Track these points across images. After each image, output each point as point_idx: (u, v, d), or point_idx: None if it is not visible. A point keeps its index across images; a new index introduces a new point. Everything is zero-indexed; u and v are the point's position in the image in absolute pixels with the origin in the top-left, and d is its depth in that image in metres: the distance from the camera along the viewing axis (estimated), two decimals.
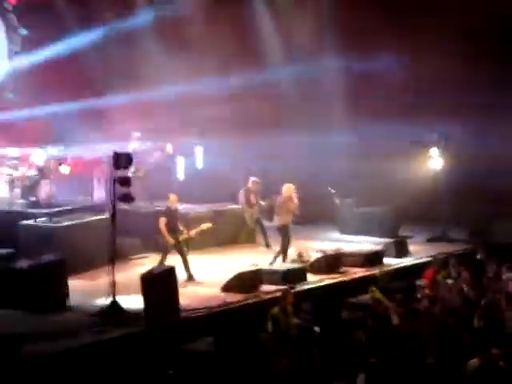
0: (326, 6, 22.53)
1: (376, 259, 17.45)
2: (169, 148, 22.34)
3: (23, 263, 14.63)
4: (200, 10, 22.40)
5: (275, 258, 17.17)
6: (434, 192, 20.66)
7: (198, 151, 23.86)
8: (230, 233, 19.30)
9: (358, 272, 16.72)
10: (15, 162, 19.12)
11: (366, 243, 19.18)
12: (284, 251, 17.22)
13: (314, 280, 16.07)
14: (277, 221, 17.46)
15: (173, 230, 16.12)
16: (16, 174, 19.01)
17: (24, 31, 21.31)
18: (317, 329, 13.07)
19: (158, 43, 22.42)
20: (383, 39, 21.16)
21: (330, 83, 22.70)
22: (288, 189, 17.42)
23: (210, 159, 23.05)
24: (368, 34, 21.43)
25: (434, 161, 20.59)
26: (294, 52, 22.97)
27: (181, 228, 16.27)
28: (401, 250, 18.42)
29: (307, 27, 22.72)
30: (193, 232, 16.29)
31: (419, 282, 15.77)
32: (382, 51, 21.70)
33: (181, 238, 16.12)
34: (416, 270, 16.91)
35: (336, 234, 19.88)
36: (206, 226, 16.51)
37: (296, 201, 17.31)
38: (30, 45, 21.35)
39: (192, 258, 16.41)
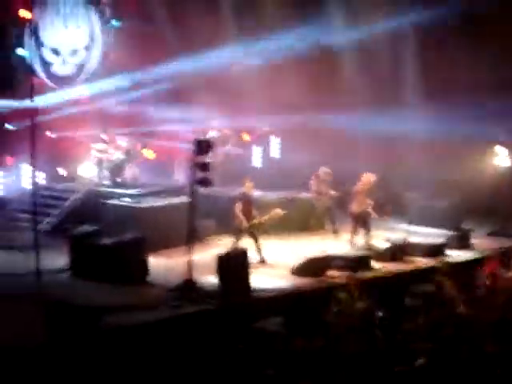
0: None
1: (439, 251, 17.16)
2: (246, 137, 22.37)
3: (107, 240, 14.83)
4: None
5: (352, 242, 17.12)
6: (496, 188, 20.22)
7: (274, 141, 23.85)
8: (301, 219, 19.18)
9: (422, 262, 16.44)
10: (103, 144, 19.31)
11: (431, 235, 18.85)
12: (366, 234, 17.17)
13: (379, 268, 15.88)
14: (354, 207, 17.32)
15: (247, 214, 16.10)
16: (104, 155, 19.23)
17: (116, 23, 21.45)
18: (380, 313, 12.90)
19: None
20: None
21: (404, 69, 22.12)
22: (367, 177, 17.33)
23: (286, 149, 22.99)
24: None
25: (499, 158, 20.13)
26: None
27: (254, 213, 16.23)
28: (463, 243, 18.08)
29: None
30: (265, 218, 16.26)
31: (480, 273, 15.43)
32: None
33: (254, 222, 16.09)
34: (477, 262, 16.55)
35: (404, 225, 19.57)
36: (277, 212, 16.44)
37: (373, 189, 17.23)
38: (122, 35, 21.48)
39: (264, 242, 16.37)
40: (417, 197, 20.73)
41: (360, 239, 17.23)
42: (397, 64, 22.13)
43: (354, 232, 17.39)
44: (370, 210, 17.28)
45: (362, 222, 17.27)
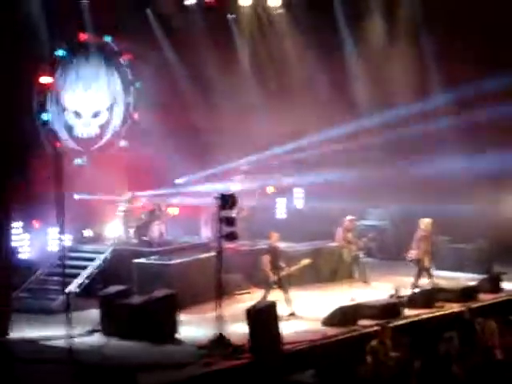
0: None
1: (471, 294, 17.03)
2: (270, 189, 22.53)
3: (136, 299, 14.92)
4: None
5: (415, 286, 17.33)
6: None
7: (297, 192, 23.98)
8: (329, 269, 19.17)
9: (454, 306, 16.33)
10: (128, 205, 19.52)
11: (461, 279, 18.75)
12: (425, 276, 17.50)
13: (410, 314, 15.79)
14: (414, 254, 17.47)
15: (275, 266, 16.14)
16: (129, 215, 19.41)
17: (138, 84, 21.85)
18: (417, 362, 12.80)
19: None
20: None
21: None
22: (427, 224, 17.48)
23: (310, 199, 23.11)
24: None
25: None
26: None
27: (282, 265, 16.27)
28: (495, 286, 17.92)
29: None
30: (293, 268, 16.28)
31: None
32: None
33: (282, 274, 16.12)
34: (510, 306, 16.43)
35: (432, 270, 19.46)
36: (305, 262, 16.49)
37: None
38: (141, 96, 21.88)
39: (293, 293, 16.36)
40: (444, 240, 20.64)
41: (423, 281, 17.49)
42: None
43: (419, 277, 17.56)
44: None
45: (423, 267, 17.46)
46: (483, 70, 20.72)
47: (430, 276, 17.76)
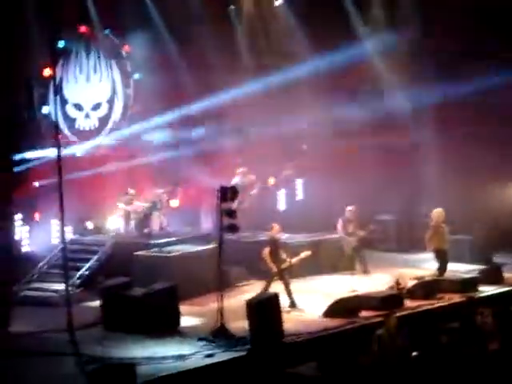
0: None
1: (472, 285, 17.00)
2: (271, 181, 22.52)
3: (138, 291, 14.90)
4: None
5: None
6: None
7: (299, 184, 23.96)
8: (330, 261, 19.14)
9: (455, 298, 16.32)
10: (130, 197, 19.49)
11: (461, 270, 18.74)
12: (441, 273, 17.57)
13: (411, 306, 15.77)
14: (431, 246, 17.62)
15: (276, 258, 16.13)
16: (130, 208, 19.39)
17: (137, 76, 21.82)
18: (414, 353, 12.80)
19: None
20: None
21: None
22: (439, 214, 17.53)
23: (310, 191, 23.08)
24: None
25: None
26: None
27: (283, 256, 16.26)
28: (495, 277, 17.88)
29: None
30: (294, 260, 16.26)
31: None
32: None
33: (283, 266, 16.11)
34: (510, 297, 16.41)
35: (432, 261, 19.44)
36: (306, 253, 16.46)
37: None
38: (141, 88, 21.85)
39: (294, 285, 16.35)
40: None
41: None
42: None
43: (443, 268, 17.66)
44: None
45: (440, 258, 17.59)
46: None
47: (441, 268, 17.72)
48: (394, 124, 22.08)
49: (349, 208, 18.68)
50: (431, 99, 21.60)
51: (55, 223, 18.73)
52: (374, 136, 22.03)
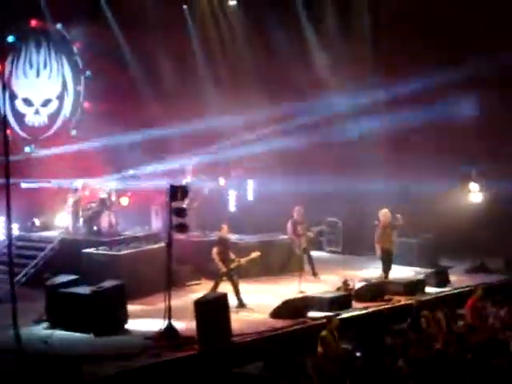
0: None
1: (418, 288, 17.20)
2: (221, 181, 22.50)
3: (85, 289, 14.75)
4: None
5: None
6: (472, 223, 20.48)
7: (249, 184, 23.97)
8: (279, 261, 19.18)
9: (401, 300, 16.49)
10: (79, 193, 19.27)
11: (408, 272, 18.95)
12: (386, 273, 17.74)
13: (358, 307, 15.90)
14: (378, 248, 17.72)
15: (225, 258, 16.13)
16: (79, 205, 19.17)
17: (88, 73, 21.64)
18: (358, 354, 12.92)
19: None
20: None
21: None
22: (385, 214, 17.69)
23: (261, 192, 23.13)
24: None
25: (474, 195, 20.47)
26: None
27: (232, 257, 16.26)
28: (441, 280, 18.13)
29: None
30: (243, 260, 16.28)
31: (460, 311, 15.52)
32: None
33: (232, 266, 16.11)
34: (456, 299, 16.64)
35: (379, 264, 19.63)
36: (255, 254, 16.50)
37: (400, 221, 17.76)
38: (92, 85, 21.67)
39: (242, 285, 16.37)
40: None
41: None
42: None
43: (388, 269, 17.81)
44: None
45: (386, 260, 17.73)
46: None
47: (386, 269, 17.89)
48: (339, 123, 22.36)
49: (296, 208, 18.73)
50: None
51: (1, 219, 18.46)
52: (323, 135, 22.18)
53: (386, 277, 17.72)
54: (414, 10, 21.47)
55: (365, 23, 23.07)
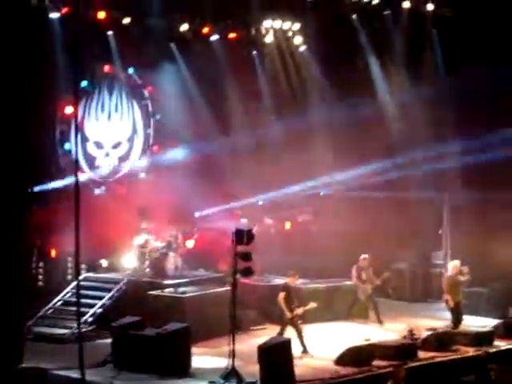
0: None
1: (486, 339, 16.87)
2: (287, 225, 22.56)
3: (150, 331, 14.89)
4: None
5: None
6: None
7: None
8: (344, 308, 19.07)
9: (469, 351, 16.19)
10: (145, 236, 19.53)
11: (476, 323, 18.61)
12: (456, 325, 17.55)
13: (425, 357, 15.67)
14: (450, 300, 17.61)
15: (288, 304, 16.09)
16: (145, 246, 19.42)
17: (159, 116, 22.09)
18: None
19: None
20: None
21: None
22: (455, 267, 17.68)
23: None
24: None
25: None
26: None
27: (295, 303, 16.20)
28: (510, 331, 17.74)
29: None
30: (300, 310, 16.16)
31: None
32: None
33: (295, 312, 16.06)
34: None
35: (446, 313, 19.35)
36: (312, 305, 16.38)
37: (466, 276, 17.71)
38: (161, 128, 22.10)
39: (307, 330, 16.30)
40: None
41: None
42: None
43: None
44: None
45: (456, 312, 17.63)
46: None
47: (456, 321, 17.69)
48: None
49: (363, 256, 18.70)
50: None
51: (70, 260, 18.82)
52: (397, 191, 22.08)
53: (455, 328, 17.42)
54: None
55: None
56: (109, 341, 15.22)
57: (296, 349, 14.92)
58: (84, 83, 20.08)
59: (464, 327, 17.72)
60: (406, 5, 22.62)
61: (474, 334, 16.87)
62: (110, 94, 21.17)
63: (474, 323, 18.54)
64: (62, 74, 18.17)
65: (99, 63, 20.59)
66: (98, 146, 21.02)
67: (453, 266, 17.90)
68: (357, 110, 21.74)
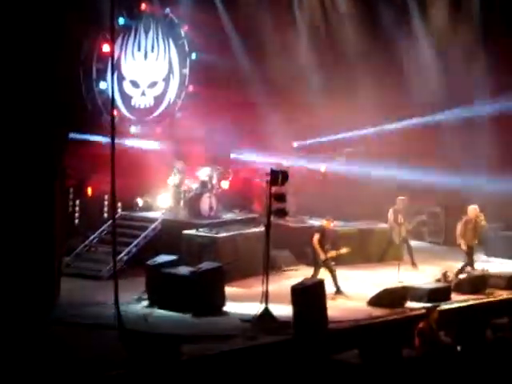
0: None
1: None
2: (322, 167, 22.40)
3: (185, 270, 14.97)
4: None
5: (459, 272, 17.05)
6: None
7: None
8: (378, 250, 19.01)
9: (503, 294, 16.08)
10: (180, 175, 19.51)
11: (510, 266, 18.46)
12: (464, 268, 17.26)
13: (458, 299, 15.60)
14: (462, 243, 17.35)
15: (323, 246, 16.06)
16: (180, 186, 19.44)
17: (195, 55, 21.91)
18: (458, 348, 12.67)
19: None
20: None
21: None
22: (473, 211, 17.38)
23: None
24: None
25: None
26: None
27: (327, 246, 16.15)
28: None
29: None
30: (332, 253, 16.11)
31: None
32: None
33: (329, 254, 16.03)
34: None
35: (482, 256, 19.18)
36: (343, 250, 16.31)
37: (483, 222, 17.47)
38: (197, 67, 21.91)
39: (341, 272, 16.28)
40: (495, 227, 20.31)
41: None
42: None
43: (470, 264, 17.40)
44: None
45: (468, 254, 17.37)
46: None
47: (471, 263, 17.46)
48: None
49: (400, 198, 18.52)
50: None
51: (106, 198, 18.92)
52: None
53: (461, 271, 17.19)
54: None
55: None
56: (143, 279, 15.33)
57: (329, 290, 14.91)
58: (121, 20, 19.95)
59: (498, 270, 17.57)
60: None
61: (508, 277, 16.73)
62: (147, 32, 21.00)
63: (509, 266, 18.39)
64: (98, 11, 17.98)
65: (136, 0, 20.39)
66: (134, 84, 20.93)
67: (472, 209, 17.60)
68: None
